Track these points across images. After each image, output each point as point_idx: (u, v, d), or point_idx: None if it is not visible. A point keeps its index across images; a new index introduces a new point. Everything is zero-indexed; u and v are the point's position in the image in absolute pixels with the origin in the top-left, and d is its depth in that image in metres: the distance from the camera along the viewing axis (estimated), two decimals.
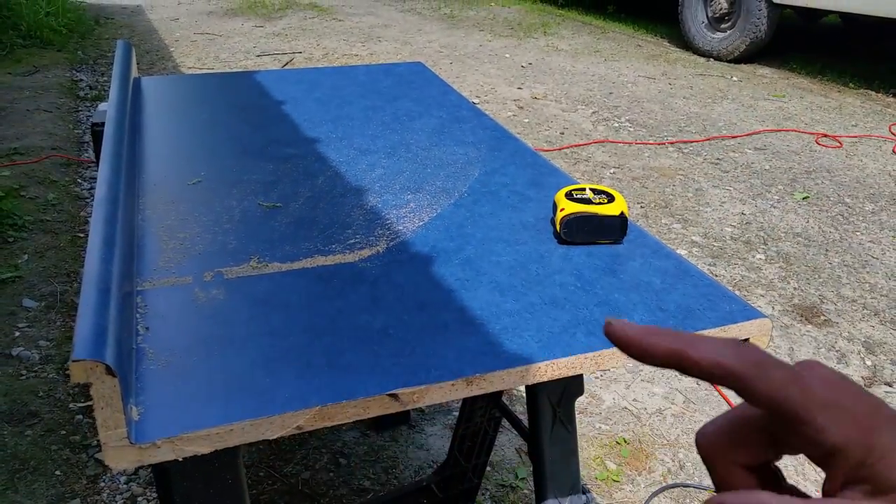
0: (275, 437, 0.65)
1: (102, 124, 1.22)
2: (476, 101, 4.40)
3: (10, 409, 1.83)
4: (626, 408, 1.94)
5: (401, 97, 1.55)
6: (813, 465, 0.27)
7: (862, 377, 2.07)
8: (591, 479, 1.70)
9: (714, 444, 0.30)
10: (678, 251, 2.55)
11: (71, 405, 1.86)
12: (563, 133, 3.96)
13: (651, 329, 0.29)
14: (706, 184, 3.37)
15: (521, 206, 1.09)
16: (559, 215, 0.97)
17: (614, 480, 1.70)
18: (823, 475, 0.27)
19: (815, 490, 1.61)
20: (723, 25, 5.54)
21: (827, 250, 2.79)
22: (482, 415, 1.38)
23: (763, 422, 0.29)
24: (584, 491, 1.06)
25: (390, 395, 0.68)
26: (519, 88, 4.74)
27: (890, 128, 4.17)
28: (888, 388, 2.03)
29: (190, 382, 0.68)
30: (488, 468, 1.70)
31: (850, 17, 5.25)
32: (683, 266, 0.94)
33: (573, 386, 1.00)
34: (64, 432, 1.77)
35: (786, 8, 5.25)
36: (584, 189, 1.00)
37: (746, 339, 0.83)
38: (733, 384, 0.27)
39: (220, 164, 1.19)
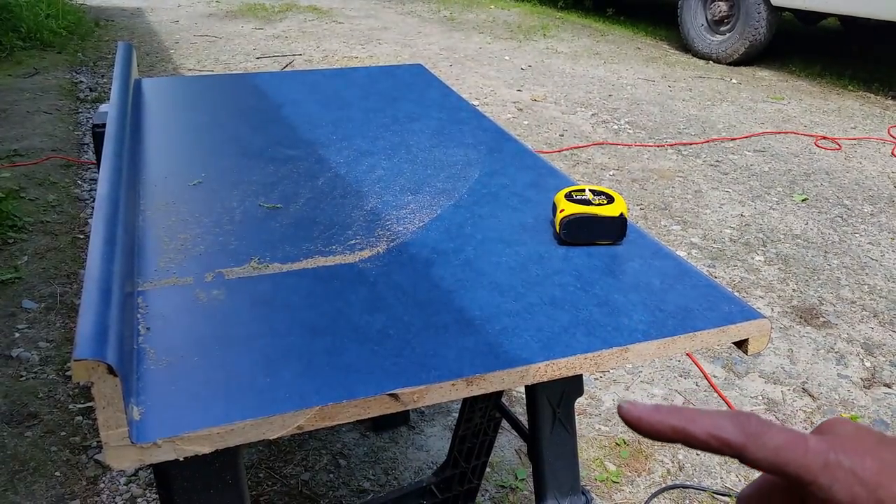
0: (275, 436, 0.65)
1: (103, 125, 1.22)
2: (476, 103, 4.41)
3: (10, 411, 1.83)
4: None
5: (401, 99, 1.55)
6: None
7: (861, 379, 2.08)
8: (591, 480, 1.70)
9: None
10: (678, 252, 2.55)
11: (71, 406, 1.86)
12: (562, 135, 3.97)
13: (657, 408, 0.30)
14: (705, 186, 3.37)
15: (520, 207, 1.09)
16: (559, 216, 0.97)
17: (614, 482, 1.70)
18: None
19: None
20: (722, 28, 5.55)
21: (826, 252, 2.80)
22: (482, 416, 1.38)
23: (787, 484, 0.30)
24: (584, 492, 1.06)
25: (390, 395, 0.68)
26: (519, 91, 4.75)
27: (889, 130, 4.18)
28: (887, 390, 2.03)
29: (191, 382, 0.68)
30: (488, 469, 1.70)
31: (848, 19, 5.26)
32: (683, 267, 0.94)
33: (573, 387, 1.00)
34: (64, 433, 1.77)
35: (785, 11, 5.26)
36: (583, 190, 1.00)
37: (744, 341, 0.83)
38: (732, 454, 0.28)
39: (221, 165, 1.19)
